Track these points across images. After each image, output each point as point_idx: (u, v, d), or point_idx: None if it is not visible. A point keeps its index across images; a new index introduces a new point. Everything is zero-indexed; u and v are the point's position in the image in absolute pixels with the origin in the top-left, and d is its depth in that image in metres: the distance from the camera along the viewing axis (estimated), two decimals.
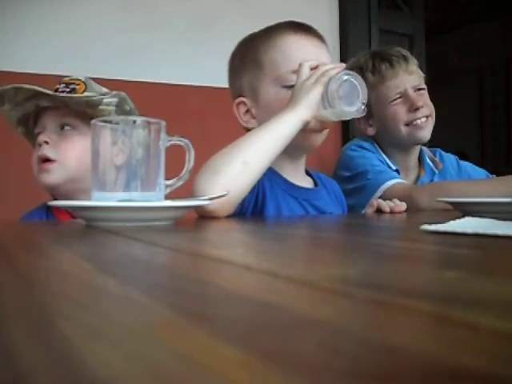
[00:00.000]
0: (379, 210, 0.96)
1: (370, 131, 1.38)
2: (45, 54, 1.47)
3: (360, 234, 0.55)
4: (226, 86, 1.00)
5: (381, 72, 1.30)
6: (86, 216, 0.60)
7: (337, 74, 0.79)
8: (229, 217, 0.75)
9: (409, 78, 1.30)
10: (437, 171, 1.39)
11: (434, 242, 0.39)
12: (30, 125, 0.99)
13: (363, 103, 0.80)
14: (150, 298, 0.19)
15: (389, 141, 1.35)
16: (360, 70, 1.32)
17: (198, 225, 0.66)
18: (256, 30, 0.96)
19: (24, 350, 0.13)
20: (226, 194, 0.69)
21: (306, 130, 0.82)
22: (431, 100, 1.35)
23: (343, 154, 1.37)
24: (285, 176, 0.92)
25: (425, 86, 1.34)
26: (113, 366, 0.12)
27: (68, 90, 0.93)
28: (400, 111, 1.31)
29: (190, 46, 1.65)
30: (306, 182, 0.98)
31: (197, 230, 0.60)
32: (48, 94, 0.91)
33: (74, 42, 1.51)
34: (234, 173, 0.73)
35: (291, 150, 0.86)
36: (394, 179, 1.23)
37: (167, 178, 0.64)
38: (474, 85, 3.78)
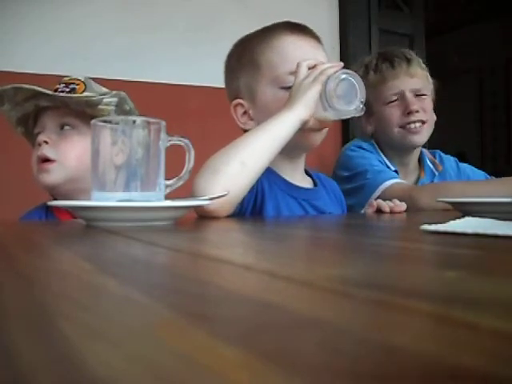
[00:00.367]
0: (379, 210, 0.96)
1: (369, 129, 1.39)
2: (45, 54, 1.47)
3: (360, 234, 0.55)
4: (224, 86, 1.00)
5: (382, 72, 1.30)
6: (86, 216, 0.60)
7: (335, 72, 0.79)
8: (228, 217, 0.75)
9: (409, 80, 1.29)
10: (437, 173, 1.39)
11: (434, 242, 0.39)
12: (29, 125, 1.00)
13: (361, 102, 0.80)
14: (150, 298, 0.19)
15: (385, 142, 1.35)
16: (365, 67, 1.33)
17: (197, 225, 0.66)
18: (256, 29, 0.96)
19: (24, 350, 0.13)
20: (226, 194, 0.69)
21: (304, 130, 0.82)
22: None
23: (342, 154, 1.37)
24: (284, 176, 0.92)
25: (427, 93, 1.32)
26: (113, 366, 0.12)
27: (68, 89, 0.94)
28: (395, 113, 1.30)
29: (190, 46, 1.65)
30: (306, 182, 0.98)
31: (197, 230, 0.60)
32: (48, 94, 0.91)
33: (74, 42, 1.51)
34: (233, 173, 0.73)
35: (290, 150, 0.85)
36: (393, 179, 1.23)
37: (167, 178, 0.64)
38: (474, 85, 3.78)
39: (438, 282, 0.22)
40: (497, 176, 1.47)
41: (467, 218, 0.53)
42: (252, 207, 0.86)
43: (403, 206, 0.95)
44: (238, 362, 0.12)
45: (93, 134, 0.62)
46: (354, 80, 0.80)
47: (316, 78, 0.79)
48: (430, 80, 1.35)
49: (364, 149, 1.33)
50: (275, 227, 0.64)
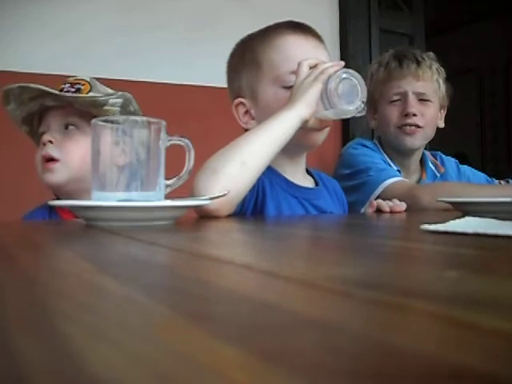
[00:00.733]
0: (379, 210, 0.96)
1: (373, 124, 1.40)
2: (45, 53, 1.47)
3: (360, 234, 0.55)
4: (226, 85, 1.00)
5: (390, 70, 1.30)
6: (86, 216, 0.60)
7: (336, 72, 0.79)
8: (229, 216, 0.75)
9: (415, 83, 1.29)
10: (438, 175, 1.39)
11: (434, 242, 0.39)
12: (34, 124, 1.00)
13: (362, 102, 0.80)
14: (150, 298, 0.19)
15: (385, 140, 1.36)
16: (379, 63, 1.34)
17: (197, 225, 0.66)
18: (256, 29, 0.96)
19: (24, 350, 0.13)
20: (226, 194, 0.69)
21: (305, 129, 0.82)
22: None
23: (345, 152, 1.37)
24: (285, 175, 0.92)
25: (433, 99, 1.30)
26: (113, 366, 0.12)
27: (73, 90, 0.94)
28: (394, 113, 1.31)
29: (190, 45, 1.65)
30: (307, 182, 0.98)
31: (197, 229, 0.60)
32: (54, 94, 0.92)
33: (74, 41, 1.51)
34: (233, 173, 0.72)
35: (291, 149, 0.85)
36: (396, 177, 1.22)
37: (167, 178, 0.64)
38: (474, 85, 3.78)
39: (438, 282, 0.22)
40: (497, 176, 1.47)
41: (467, 218, 0.53)
42: (253, 206, 0.86)
43: (403, 205, 0.95)
44: (238, 361, 0.12)
45: (93, 134, 0.62)
46: (356, 79, 0.80)
47: (317, 77, 0.79)
48: (443, 87, 1.33)
49: (367, 147, 1.33)
50: (275, 227, 0.64)
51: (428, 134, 1.32)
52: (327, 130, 0.91)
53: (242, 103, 0.92)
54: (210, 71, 1.60)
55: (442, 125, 1.37)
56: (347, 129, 1.88)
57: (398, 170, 1.30)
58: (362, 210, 1.18)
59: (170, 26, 1.63)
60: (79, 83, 0.96)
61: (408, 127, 1.29)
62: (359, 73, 0.82)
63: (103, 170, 0.61)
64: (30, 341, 0.14)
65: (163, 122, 0.63)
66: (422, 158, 1.40)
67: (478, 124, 3.80)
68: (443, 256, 0.33)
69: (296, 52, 0.88)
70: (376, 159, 1.29)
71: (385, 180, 1.21)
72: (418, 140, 1.31)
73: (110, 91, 0.99)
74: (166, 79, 1.61)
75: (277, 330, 0.15)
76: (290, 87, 0.85)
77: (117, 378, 0.11)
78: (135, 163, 0.61)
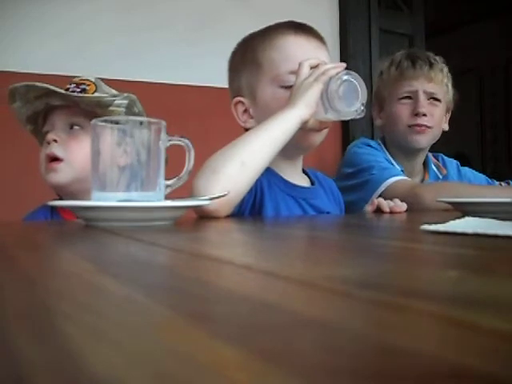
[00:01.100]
0: (379, 210, 0.96)
1: (378, 122, 1.40)
2: (45, 53, 1.47)
3: (360, 234, 0.55)
4: (227, 85, 1.00)
5: (402, 68, 1.31)
6: (86, 216, 0.60)
7: (337, 73, 0.79)
8: (228, 217, 0.75)
9: (426, 84, 1.29)
10: (441, 176, 1.40)
11: (434, 242, 0.39)
12: (38, 123, 1.00)
13: (362, 104, 0.80)
14: (150, 298, 0.19)
15: (391, 139, 1.36)
16: (390, 62, 1.34)
17: (197, 225, 0.66)
18: (256, 29, 0.96)
19: (25, 350, 0.13)
20: (226, 194, 0.69)
21: (304, 130, 0.82)
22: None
23: (348, 151, 1.37)
24: (282, 175, 0.92)
25: (442, 100, 1.31)
26: (113, 366, 0.12)
27: (78, 90, 0.94)
28: (404, 111, 1.31)
29: (190, 45, 1.65)
30: (303, 181, 0.98)
31: (197, 230, 0.60)
32: (60, 93, 0.92)
33: (74, 41, 1.51)
34: (233, 173, 0.72)
35: (289, 150, 0.85)
36: (398, 176, 1.23)
37: (167, 178, 0.64)
38: (474, 85, 3.78)
39: (438, 282, 0.22)
40: (497, 177, 1.47)
41: (467, 218, 0.53)
42: (251, 207, 0.86)
43: (403, 206, 0.94)
44: (238, 361, 0.12)
45: (93, 134, 0.62)
46: (356, 82, 0.80)
47: (318, 78, 0.79)
48: (450, 90, 1.34)
49: (371, 146, 1.34)
50: (275, 227, 0.64)
51: (435, 134, 1.33)
52: (326, 131, 0.91)
53: (240, 102, 0.92)
54: (210, 71, 1.60)
55: (446, 128, 1.37)
56: (347, 129, 1.88)
57: (402, 171, 1.31)
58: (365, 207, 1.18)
59: (169, 26, 1.63)
60: (84, 83, 0.96)
61: (418, 127, 1.29)
62: (359, 73, 0.82)
63: (103, 170, 0.61)
64: (30, 341, 0.14)
65: (163, 123, 0.63)
66: (424, 160, 1.40)
67: (478, 124, 3.80)
68: (443, 256, 0.33)
69: (296, 52, 0.88)
70: (379, 158, 1.29)
71: (387, 178, 1.21)
72: (427, 140, 1.32)
73: (115, 92, 0.99)
74: (165, 79, 1.61)
75: (277, 330, 0.15)
76: (288, 87, 0.85)
77: (117, 378, 0.11)
78: (135, 163, 0.61)
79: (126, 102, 0.94)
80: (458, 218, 0.53)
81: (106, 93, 0.97)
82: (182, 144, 0.65)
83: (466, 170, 1.47)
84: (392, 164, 1.31)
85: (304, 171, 1.01)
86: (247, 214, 0.86)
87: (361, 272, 0.25)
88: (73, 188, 0.94)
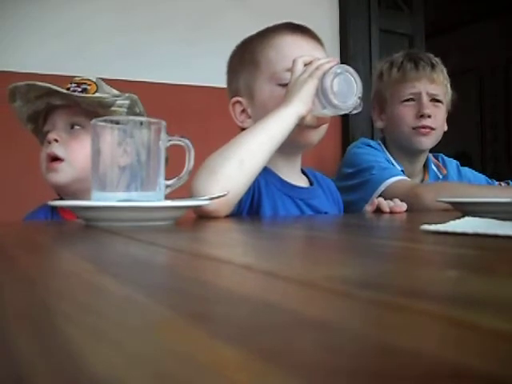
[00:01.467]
0: (379, 209, 0.95)
1: (379, 124, 1.40)
2: (45, 53, 1.47)
3: (360, 234, 0.55)
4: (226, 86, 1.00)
5: (405, 70, 1.31)
6: (86, 216, 0.60)
7: (331, 67, 0.79)
8: (228, 217, 0.75)
9: (429, 85, 1.30)
10: (441, 176, 1.40)
11: (434, 242, 0.39)
12: (39, 122, 1.00)
13: (358, 97, 0.80)
14: (150, 298, 0.19)
15: (393, 141, 1.36)
16: (390, 64, 1.34)
17: (197, 225, 0.66)
18: (256, 29, 0.96)
19: (25, 350, 0.13)
20: (226, 194, 0.69)
21: (301, 126, 0.82)
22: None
23: (349, 152, 1.37)
24: (280, 175, 0.92)
25: (444, 101, 1.32)
26: (113, 366, 0.12)
27: (79, 89, 0.94)
28: (408, 113, 1.31)
29: (190, 45, 1.65)
30: (302, 181, 0.98)
31: (197, 230, 0.60)
32: (61, 93, 0.92)
33: (74, 41, 1.51)
34: (231, 173, 0.72)
35: (287, 149, 0.85)
36: (398, 176, 1.23)
37: (167, 178, 0.64)
38: (474, 85, 3.78)
39: (438, 282, 0.22)
40: (497, 177, 1.47)
41: (467, 218, 0.53)
42: (249, 207, 0.86)
43: (403, 206, 0.94)
44: (238, 361, 0.12)
45: (93, 134, 0.62)
46: (351, 75, 0.80)
47: (312, 74, 0.79)
48: (450, 91, 1.35)
49: (371, 146, 1.34)
50: (275, 227, 0.64)
51: (438, 135, 1.34)
52: (324, 129, 0.91)
53: (238, 102, 0.92)
54: (210, 71, 1.60)
55: (445, 128, 1.38)
56: (347, 129, 1.88)
57: (402, 171, 1.31)
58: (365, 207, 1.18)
59: (169, 25, 1.64)
60: (85, 83, 0.96)
61: (422, 129, 1.30)
62: (359, 73, 0.82)
63: (103, 170, 0.61)
64: (30, 341, 0.14)
65: (163, 123, 0.63)
66: (425, 161, 1.40)
67: (477, 124, 3.80)
68: (443, 256, 0.33)
69: (294, 51, 0.88)
70: (379, 158, 1.29)
71: (387, 179, 1.21)
72: (431, 141, 1.32)
73: (116, 92, 0.99)
74: (165, 79, 1.61)
75: (277, 330, 0.15)
76: (285, 85, 0.85)
77: (117, 378, 0.11)
78: (135, 163, 0.61)
79: (127, 102, 0.94)
80: (458, 218, 0.53)
81: (107, 93, 0.97)
82: (182, 144, 0.65)
83: (466, 170, 1.47)
84: (392, 164, 1.31)
85: (303, 171, 1.01)
86: (245, 214, 0.86)
87: (361, 272, 0.25)
88: (73, 188, 0.94)
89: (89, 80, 0.97)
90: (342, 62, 0.85)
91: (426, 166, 1.40)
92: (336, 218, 0.87)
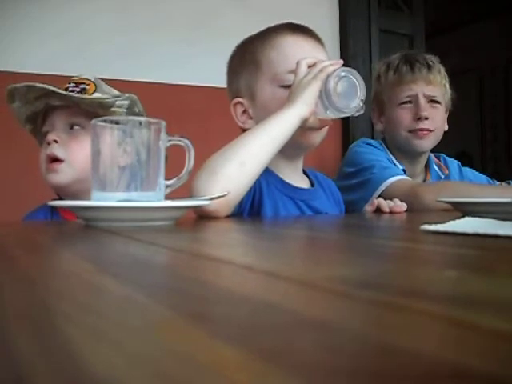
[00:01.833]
0: (379, 210, 0.96)
1: (379, 127, 1.40)
2: (44, 53, 1.47)
3: (360, 234, 0.55)
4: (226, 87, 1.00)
5: (401, 73, 1.31)
6: (86, 216, 0.60)
7: (335, 70, 0.79)
8: (228, 217, 0.75)
9: (426, 86, 1.29)
10: (443, 176, 1.40)
11: (434, 242, 0.39)
12: (38, 123, 1.00)
13: (361, 100, 0.80)
14: (150, 298, 0.19)
15: (392, 143, 1.36)
16: (387, 66, 1.34)
17: (197, 225, 0.66)
18: (256, 29, 0.96)
19: (25, 350, 0.13)
20: (226, 194, 0.69)
21: (304, 128, 0.82)
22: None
23: (350, 151, 1.37)
24: (281, 176, 0.92)
25: (442, 102, 1.31)
26: (113, 366, 0.12)
27: (78, 89, 0.94)
28: (405, 116, 1.31)
29: (190, 45, 1.65)
30: (303, 183, 0.98)
31: (197, 230, 0.60)
32: (60, 94, 0.91)
33: (74, 41, 1.51)
34: (232, 173, 0.72)
35: (289, 150, 0.85)
36: (399, 175, 1.22)
37: (167, 178, 0.64)
38: (474, 85, 3.78)
39: (438, 282, 0.22)
40: (497, 177, 1.47)
41: (467, 218, 0.53)
42: (250, 207, 0.86)
43: (403, 206, 0.94)
44: (238, 361, 0.12)
45: (92, 134, 0.62)
46: (354, 78, 0.80)
47: (316, 76, 0.79)
48: (448, 90, 1.34)
49: (372, 146, 1.34)
50: (275, 227, 0.64)
51: (438, 136, 1.33)
52: (325, 130, 0.91)
53: (239, 103, 0.92)
54: (210, 71, 1.60)
55: (446, 127, 1.37)
56: (347, 130, 1.88)
57: (403, 170, 1.31)
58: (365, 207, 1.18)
59: (169, 25, 1.64)
60: (84, 83, 0.95)
61: (420, 131, 1.29)
62: (359, 73, 0.82)
63: (103, 170, 0.61)
64: (30, 341, 0.14)
65: (163, 123, 0.63)
66: (426, 161, 1.40)
67: (477, 124, 3.80)
68: (443, 256, 0.33)
69: (295, 52, 0.88)
70: (381, 157, 1.29)
71: (388, 178, 1.21)
72: (429, 143, 1.32)
73: (115, 91, 0.99)
74: (165, 79, 1.61)
75: (277, 330, 0.15)
76: (287, 86, 0.85)
77: (117, 378, 0.11)
78: (135, 163, 0.61)
79: (127, 102, 0.94)
80: (458, 218, 0.53)
81: (105, 92, 0.96)
82: (182, 144, 0.65)
83: (467, 170, 1.47)
84: (394, 164, 1.31)
85: (304, 172, 1.01)
86: (246, 215, 0.86)
87: (361, 272, 0.25)
88: (73, 188, 0.94)
89: (87, 79, 0.97)
90: (340, 60, 0.85)
91: (427, 166, 1.40)
92: (336, 218, 0.87)
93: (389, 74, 1.32)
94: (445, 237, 0.40)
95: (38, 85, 0.91)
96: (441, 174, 1.40)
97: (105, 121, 0.63)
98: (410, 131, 1.31)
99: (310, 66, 0.82)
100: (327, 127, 0.90)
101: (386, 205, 0.95)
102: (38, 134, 1.01)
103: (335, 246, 0.42)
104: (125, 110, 0.94)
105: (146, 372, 0.11)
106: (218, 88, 1.56)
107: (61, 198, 0.97)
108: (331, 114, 0.82)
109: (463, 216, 0.57)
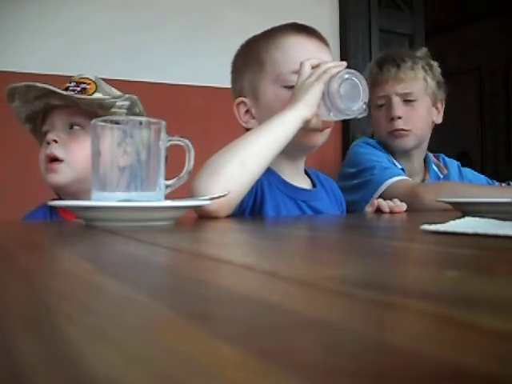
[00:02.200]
0: (379, 210, 0.96)
1: (369, 130, 1.41)
2: (44, 53, 1.47)
3: (360, 234, 0.55)
4: (227, 85, 1.00)
5: (372, 75, 1.31)
6: (86, 216, 0.60)
7: (338, 72, 0.79)
8: (229, 217, 0.75)
9: (397, 85, 1.29)
10: (442, 176, 1.40)
11: (434, 242, 0.39)
12: (37, 122, 1.00)
13: (364, 103, 0.80)
14: (150, 298, 0.19)
15: (381, 144, 1.37)
16: (368, 70, 1.35)
17: (197, 225, 0.66)
18: (256, 29, 0.96)
19: (25, 350, 0.13)
20: (226, 194, 0.68)
21: (306, 129, 0.82)
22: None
23: (351, 151, 1.38)
24: (283, 177, 0.92)
25: (419, 97, 1.29)
26: (113, 366, 0.12)
27: (78, 89, 0.94)
28: (381, 118, 1.32)
29: (190, 45, 1.65)
30: (305, 183, 0.98)
31: (197, 230, 0.60)
32: (60, 94, 0.91)
33: (74, 41, 1.51)
34: (233, 173, 0.72)
35: (291, 151, 0.85)
36: (399, 176, 1.23)
37: (167, 178, 0.64)
38: (474, 85, 3.78)
39: (438, 282, 0.22)
40: (497, 177, 1.47)
41: (467, 218, 0.53)
42: (251, 207, 0.86)
43: (403, 206, 0.95)
44: (238, 361, 0.12)
45: (93, 134, 0.62)
46: (358, 80, 0.80)
47: (319, 77, 0.79)
48: (432, 83, 1.32)
49: (372, 146, 1.34)
50: (275, 227, 0.64)
51: (419, 134, 1.32)
52: (328, 131, 0.91)
53: (243, 102, 0.92)
54: (210, 71, 1.60)
55: (439, 120, 1.36)
56: (347, 129, 1.88)
57: (402, 169, 1.31)
58: (366, 208, 1.18)
59: (169, 25, 1.64)
60: (84, 82, 0.95)
61: (396, 132, 1.30)
62: (360, 73, 0.82)
63: (103, 170, 0.61)
64: (30, 341, 0.14)
65: (163, 123, 0.63)
66: (425, 160, 1.41)
67: (478, 124, 3.80)
68: (443, 256, 0.33)
69: (299, 52, 0.88)
70: (381, 158, 1.30)
71: (388, 179, 1.21)
72: (409, 142, 1.32)
73: (116, 91, 0.99)
74: (165, 79, 1.61)
75: (277, 330, 0.15)
76: (291, 87, 0.85)
77: (117, 378, 0.11)
78: (135, 163, 0.61)
79: (127, 103, 0.94)
80: (458, 218, 0.53)
81: (106, 92, 0.96)
82: (182, 144, 0.65)
83: (467, 170, 1.47)
84: (393, 163, 1.31)
85: (306, 172, 1.01)
86: (247, 215, 0.85)
87: (361, 272, 0.25)
88: (73, 188, 0.94)
89: (87, 79, 0.97)
90: (344, 61, 0.85)
91: (426, 166, 1.40)
92: (336, 219, 0.87)
93: (366, 79, 1.33)
94: (445, 237, 0.40)
95: (38, 84, 0.91)
96: (440, 173, 1.40)
97: (105, 121, 0.63)
98: (388, 132, 1.31)
99: (313, 67, 0.82)
100: (330, 129, 0.90)
101: (385, 205, 0.95)
102: (37, 133, 1.01)
103: (335, 246, 0.42)
104: (125, 111, 0.94)
105: (146, 372, 0.11)
106: (218, 88, 1.56)
107: (60, 198, 0.97)
108: (333, 116, 0.82)
109: (463, 216, 0.57)
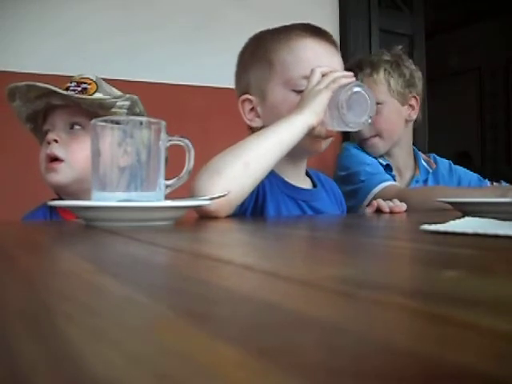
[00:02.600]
0: (379, 210, 0.96)
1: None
2: (44, 53, 1.47)
3: (360, 234, 0.55)
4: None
5: None
6: (86, 216, 0.60)
7: (348, 83, 0.79)
8: (229, 217, 0.75)
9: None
10: (431, 170, 1.43)
11: (434, 242, 0.39)
12: (38, 121, 1.00)
13: (370, 117, 0.80)
14: (150, 298, 0.19)
15: None
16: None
17: (198, 225, 0.66)
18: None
19: (25, 350, 0.13)
20: (226, 194, 0.68)
21: (311, 136, 0.82)
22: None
23: (341, 154, 1.42)
24: (284, 177, 0.92)
25: (384, 101, 1.28)
26: (113, 366, 0.12)
27: (79, 89, 0.94)
28: None
29: (190, 45, 1.65)
30: (306, 184, 0.98)
31: (197, 229, 0.60)
32: (61, 93, 0.91)
33: (74, 41, 1.51)
34: (235, 174, 0.72)
35: (295, 154, 0.85)
36: (387, 182, 1.25)
37: (167, 178, 0.64)
38: (474, 85, 3.78)
39: (438, 282, 0.22)
40: (497, 177, 1.48)
41: (467, 218, 0.53)
42: (253, 207, 0.86)
43: (403, 206, 0.95)
44: (238, 361, 0.12)
45: (93, 134, 0.62)
46: (367, 94, 0.79)
47: (328, 86, 0.79)
48: (394, 83, 1.30)
49: (358, 148, 1.38)
50: (275, 227, 0.64)
51: (389, 136, 1.33)
52: (331, 138, 0.91)
53: (248, 99, 0.91)
54: (210, 71, 1.60)
55: (412, 117, 1.36)
56: (347, 131, 1.88)
57: (388, 165, 1.33)
58: (362, 212, 1.19)
59: (169, 25, 1.64)
60: (85, 82, 0.95)
61: (365, 140, 1.33)
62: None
63: (103, 170, 0.61)
64: (30, 341, 0.14)
65: (163, 123, 0.63)
66: (415, 156, 1.43)
67: (478, 124, 3.80)
68: (443, 256, 0.33)
69: (310, 57, 0.87)
70: (367, 160, 1.33)
71: (376, 185, 1.25)
72: (379, 147, 1.34)
73: (116, 91, 0.99)
74: (165, 79, 1.61)
75: (277, 330, 0.15)
76: (300, 91, 0.84)
77: (117, 378, 0.11)
78: (135, 164, 0.61)
79: (127, 103, 0.94)
80: (458, 218, 0.53)
81: (107, 92, 0.96)
82: (182, 144, 0.65)
83: (458, 168, 1.48)
84: (379, 162, 1.33)
85: (306, 173, 1.01)
86: (249, 215, 0.85)
87: (361, 272, 0.25)
88: (73, 188, 0.94)
89: (88, 78, 0.97)
90: (351, 72, 0.85)
91: (416, 162, 1.43)
92: (337, 218, 0.87)
93: None
94: (445, 237, 0.40)
95: (38, 84, 0.91)
96: (429, 168, 1.43)
97: (105, 121, 0.63)
98: (360, 140, 1.34)
99: (323, 75, 0.82)
100: (333, 137, 0.90)
101: (385, 205, 0.95)
102: (38, 132, 1.01)
103: (336, 246, 0.42)
104: (125, 111, 0.94)
105: (146, 372, 0.11)
106: (218, 88, 1.56)
107: (60, 198, 0.97)
108: (337, 127, 0.82)
109: (463, 216, 0.57)
